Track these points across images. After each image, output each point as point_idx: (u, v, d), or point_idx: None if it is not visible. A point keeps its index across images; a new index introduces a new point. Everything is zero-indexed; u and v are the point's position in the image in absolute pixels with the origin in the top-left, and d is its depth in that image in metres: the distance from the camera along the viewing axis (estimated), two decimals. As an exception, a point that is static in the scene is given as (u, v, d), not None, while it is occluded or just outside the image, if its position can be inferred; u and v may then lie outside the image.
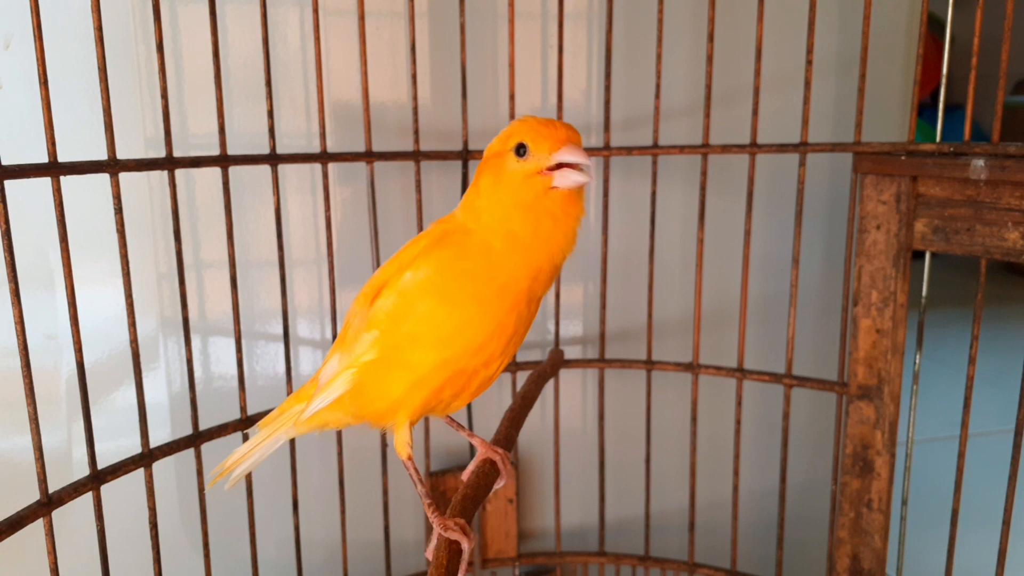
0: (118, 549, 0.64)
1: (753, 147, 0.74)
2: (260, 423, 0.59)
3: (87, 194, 0.69)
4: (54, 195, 0.54)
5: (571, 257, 0.49)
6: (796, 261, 0.75)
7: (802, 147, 0.74)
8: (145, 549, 0.64)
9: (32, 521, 0.53)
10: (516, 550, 0.87)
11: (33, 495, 0.54)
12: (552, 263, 0.48)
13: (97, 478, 0.58)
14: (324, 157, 0.71)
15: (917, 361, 0.72)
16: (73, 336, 0.55)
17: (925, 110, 2.91)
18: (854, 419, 0.74)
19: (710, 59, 0.75)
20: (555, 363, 0.76)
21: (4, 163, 0.51)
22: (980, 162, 0.64)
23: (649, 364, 0.82)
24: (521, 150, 0.47)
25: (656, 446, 0.88)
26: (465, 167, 0.78)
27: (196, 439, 0.67)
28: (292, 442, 0.72)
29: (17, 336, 0.52)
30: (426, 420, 0.81)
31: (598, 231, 0.83)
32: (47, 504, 0.54)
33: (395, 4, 0.80)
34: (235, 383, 0.82)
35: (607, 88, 0.77)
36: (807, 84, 0.72)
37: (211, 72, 0.66)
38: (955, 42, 0.68)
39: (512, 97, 0.76)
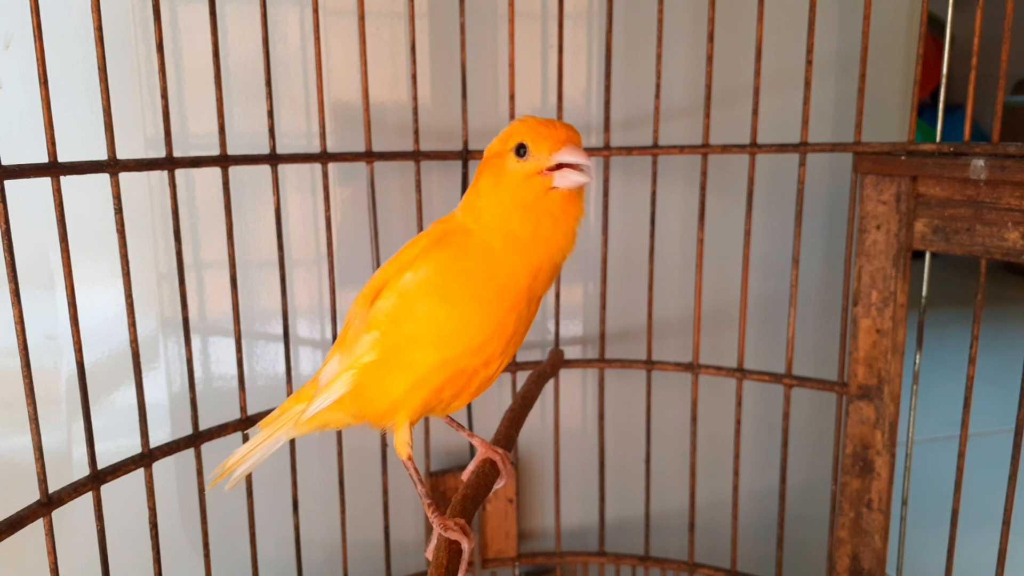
0: (118, 549, 0.64)
1: (753, 147, 0.74)
2: (260, 423, 0.59)
3: (87, 194, 0.69)
4: (54, 195, 0.54)
5: (571, 257, 0.49)
6: (796, 261, 0.75)
7: (802, 147, 0.74)
8: (145, 549, 0.64)
9: (32, 521, 0.53)
10: (516, 550, 0.87)
11: (33, 495, 0.54)
12: (552, 263, 0.48)
13: (97, 478, 0.58)
14: (324, 157, 0.71)
15: (917, 361, 0.72)
16: (73, 336, 0.55)
17: (925, 110, 2.91)
18: (854, 419, 0.74)
19: (710, 59, 0.75)
20: (555, 363, 0.76)
21: (4, 163, 0.51)
22: (980, 162, 0.64)
23: (649, 364, 0.82)
24: (521, 150, 0.47)
25: (656, 446, 0.88)
26: (465, 167, 0.78)
27: (196, 439, 0.67)
28: (292, 442, 0.72)
29: (17, 336, 0.52)
30: (426, 420, 0.81)
31: (598, 231, 0.83)
32: (47, 504, 0.54)
33: (395, 4, 0.80)
34: (235, 383, 0.82)
35: (607, 88, 0.77)
36: (807, 84, 0.72)
37: (211, 72, 0.66)
38: (955, 42, 0.68)
39: (512, 97, 0.76)
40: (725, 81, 0.86)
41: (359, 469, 0.86)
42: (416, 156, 0.75)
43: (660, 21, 0.76)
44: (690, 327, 0.90)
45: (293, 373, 0.81)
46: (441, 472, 0.84)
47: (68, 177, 0.54)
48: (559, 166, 0.46)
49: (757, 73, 0.74)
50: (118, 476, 0.60)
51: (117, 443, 0.72)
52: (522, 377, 0.83)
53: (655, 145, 0.77)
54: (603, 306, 0.82)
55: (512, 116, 0.77)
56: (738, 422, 0.79)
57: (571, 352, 0.91)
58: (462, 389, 0.50)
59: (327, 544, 0.87)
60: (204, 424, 0.68)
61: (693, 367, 0.81)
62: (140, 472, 0.62)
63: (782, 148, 0.74)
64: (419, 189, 0.76)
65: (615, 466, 0.94)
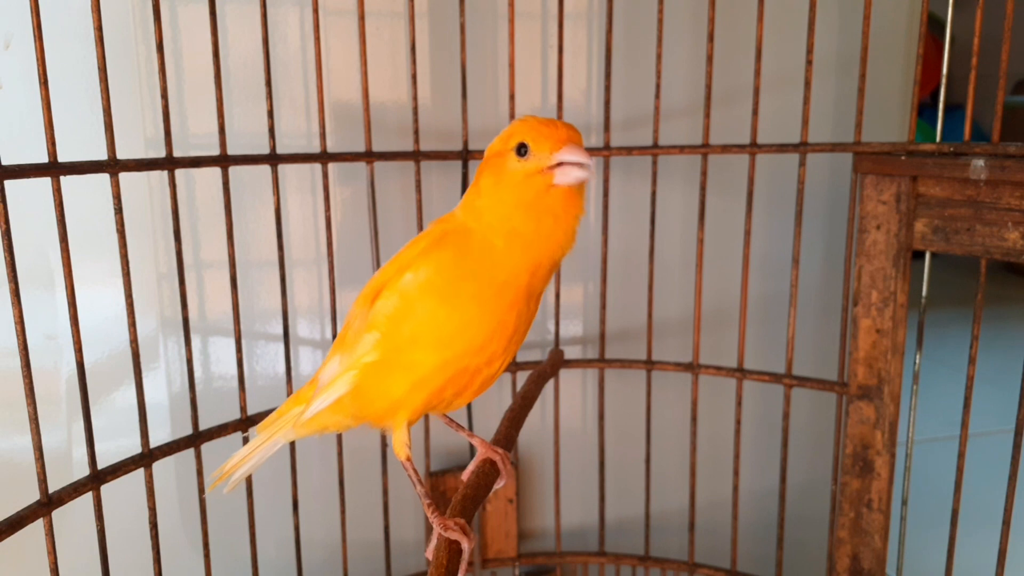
0: (118, 549, 0.64)
1: (753, 147, 0.74)
2: (259, 426, 0.59)
3: (87, 194, 0.69)
4: (54, 195, 0.54)
5: (571, 257, 0.49)
6: (796, 261, 0.75)
7: (802, 147, 0.74)
8: (145, 549, 0.64)
9: (32, 521, 0.53)
10: (516, 550, 0.87)
11: (33, 495, 0.54)
12: (552, 260, 0.48)
13: (97, 478, 0.58)
14: (324, 157, 0.71)
15: (917, 361, 0.72)
16: (73, 336, 0.55)
17: (925, 110, 2.91)
18: (854, 419, 0.74)
19: (710, 59, 0.75)
20: (555, 363, 0.76)
21: (4, 163, 0.51)
22: (980, 162, 0.64)
23: (649, 364, 0.82)
24: (522, 150, 0.47)
25: (656, 446, 0.88)
26: (465, 167, 0.78)
27: (196, 439, 0.67)
28: (292, 443, 0.72)
29: (17, 336, 0.52)
30: (426, 420, 0.81)
31: (598, 231, 0.83)
32: (47, 504, 0.54)
33: (395, 4, 0.80)
34: (235, 383, 0.82)
35: (607, 88, 0.77)
36: (807, 84, 0.72)
37: (211, 72, 0.66)
38: (955, 42, 0.68)
39: (512, 97, 0.76)
40: (725, 81, 0.86)
41: (359, 469, 0.86)
42: (416, 156, 0.75)
43: (660, 21, 0.76)
44: (690, 327, 0.90)
45: (293, 373, 0.81)
46: (441, 472, 0.84)
47: (68, 177, 0.54)
48: (560, 165, 0.46)
49: (757, 73, 0.74)
50: (118, 476, 0.60)
51: (117, 443, 0.72)
52: (522, 377, 0.83)
53: (655, 145, 0.77)
54: (603, 306, 0.82)
55: (512, 116, 0.77)
56: (738, 422, 0.79)
57: (571, 352, 0.91)
58: (464, 388, 0.50)
59: (327, 544, 0.87)
60: (204, 424, 0.68)
61: (693, 367, 0.81)
62: (140, 472, 0.62)
63: (782, 148, 0.74)
64: (419, 189, 0.76)
65: (615, 466, 0.94)
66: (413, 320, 0.47)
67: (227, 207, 0.66)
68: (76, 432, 0.78)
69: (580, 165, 0.45)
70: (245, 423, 0.70)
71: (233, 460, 0.59)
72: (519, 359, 0.84)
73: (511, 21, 0.74)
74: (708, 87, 0.75)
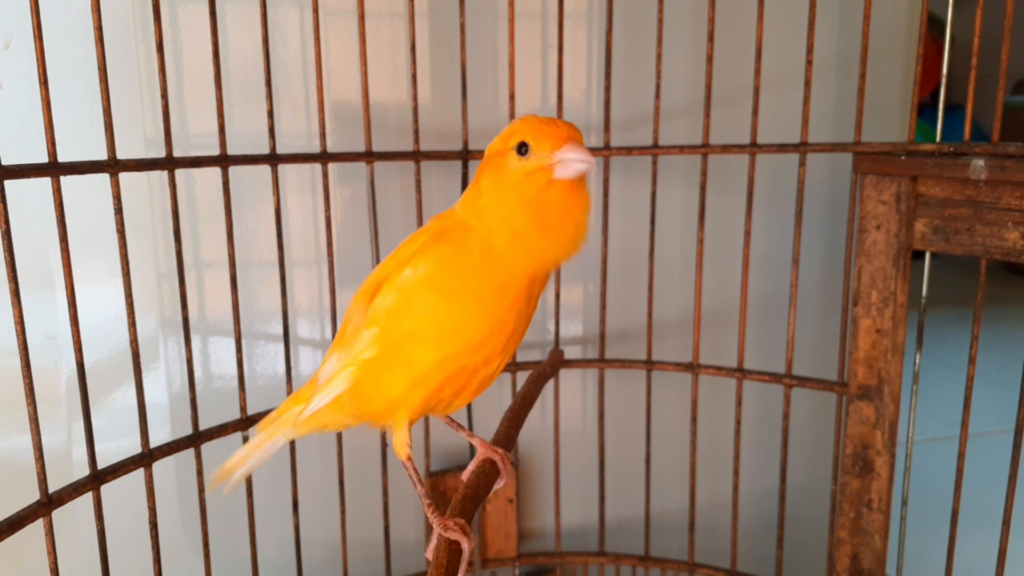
0: (118, 549, 0.64)
1: (753, 147, 0.74)
2: (258, 425, 0.59)
3: (87, 194, 0.69)
4: (54, 195, 0.54)
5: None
6: (796, 261, 0.75)
7: (802, 147, 0.74)
8: (145, 549, 0.64)
9: (32, 521, 0.53)
10: (516, 550, 0.87)
11: (33, 495, 0.54)
12: (556, 261, 0.47)
13: (97, 478, 0.58)
14: (324, 157, 0.71)
15: (917, 361, 0.72)
16: (73, 336, 0.55)
17: (925, 110, 2.91)
18: (854, 419, 0.74)
19: (710, 59, 0.75)
20: (555, 363, 0.76)
21: (4, 163, 0.51)
22: (980, 162, 0.64)
23: (649, 364, 0.82)
24: (523, 149, 0.46)
25: (656, 446, 0.88)
26: (465, 167, 0.78)
27: (196, 439, 0.67)
28: (292, 443, 0.72)
29: (17, 336, 0.52)
30: (426, 420, 0.81)
31: (598, 231, 0.83)
32: (47, 504, 0.54)
33: (395, 4, 0.80)
34: (235, 383, 0.82)
35: (607, 88, 0.77)
36: (807, 84, 0.72)
37: (211, 72, 0.66)
38: (955, 42, 0.68)
39: (512, 97, 0.76)
40: (725, 81, 0.86)
41: (359, 469, 0.86)
42: (416, 156, 0.75)
43: (660, 21, 0.76)
44: (690, 327, 0.90)
45: (293, 373, 0.81)
46: (441, 472, 0.84)
47: (68, 177, 0.54)
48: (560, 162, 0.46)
49: (757, 73, 0.74)
50: (118, 476, 0.60)
51: (117, 443, 0.72)
52: (522, 377, 0.83)
53: (655, 145, 0.77)
54: (603, 306, 0.82)
55: (512, 116, 0.77)
56: (738, 422, 0.79)
57: (571, 352, 0.91)
58: (462, 388, 0.50)
59: (327, 544, 0.87)
60: (204, 424, 0.68)
61: (693, 367, 0.81)
62: (140, 472, 0.62)
63: (782, 148, 0.74)
64: (419, 189, 0.76)
65: (615, 466, 0.94)
66: (412, 316, 0.47)
67: (227, 207, 0.66)
68: (76, 432, 0.78)
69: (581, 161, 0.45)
70: (245, 423, 0.70)
71: (233, 459, 0.59)
72: (519, 359, 0.84)
73: (511, 21, 0.74)
74: (708, 87, 0.75)
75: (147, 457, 0.62)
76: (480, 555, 0.86)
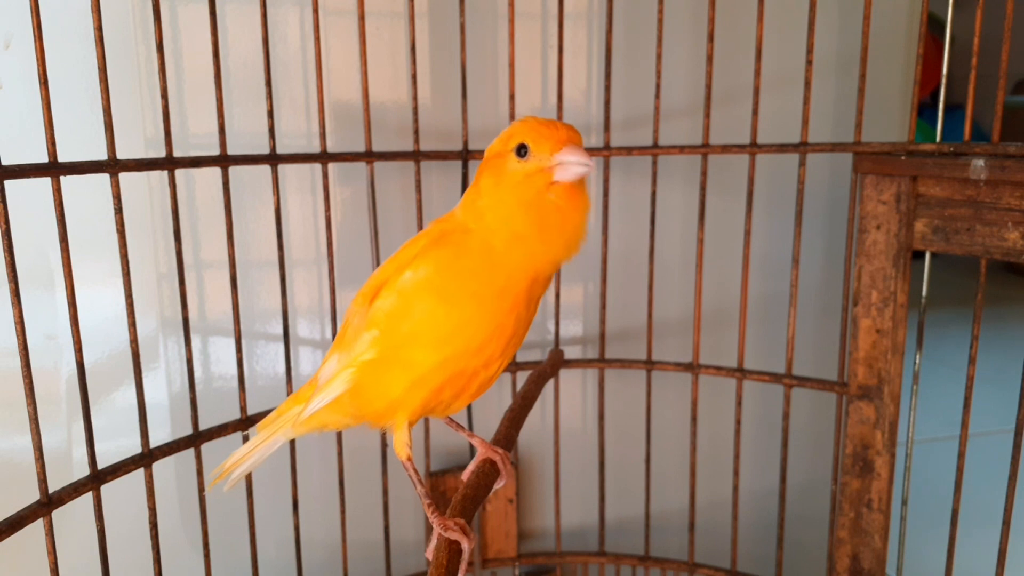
0: (118, 549, 0.64)
1: (753, 147, 0.74)
2: (259, 425, 0.59)
3: (87, 194, 0.69)
4: (54, 195, 0.54)
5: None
6: (796, 261, 0.75)
7: (802, 147, 0.74)
8: (145, 549, 0.64)
9: (32, 521, 0.53)
10: (516, 550, 0.87)
11: (33, 495, 0.54)
12: (556, 263, 0.48)
13: (97, 478, 0.58)
14: (324, 157, 0.71)
15: (917, 361, 0.72)
16: (73, 336, 0.55)
17: (925, 110, 2.91)
18: (854, 419, 0.74)
19: (710, 59, 0.75)
20: (555, 363, 0.76)
21: (4, 163, 0.51)
22: (980, 162, 0.64)
23: (649, 364, 0.82)
24: (522, 151, 0.47)
25: (656, 446, 0.88)
26: (465, 167, 0.78)
27: (196, 439, 0.67)
28: (292, 442, 0.72)
29: (17, 336, 0.52)
30: (426, 420, 0.81)
31: (598, 231, 0.83)
32: (47, 504, 0.54)
33: (395, 4, 0.80)
34: (235, 383, 0.82)
35: (607, 88, 0.77)
36: (807, 84, 0.72)
37: (211, 72, 0.66)
38: (955, 42, 0.68)
39: (512, 97, 0.76)
40: (725, 81, 0.86)
41: (359, 469, 0.86)
42: (416, 156, 0.75)
43: (660, 21, 0.76)
44: (690, 327, 0.90)
45: (293, 373, 0.81)
46: (441, 472, 0.84)
47: (68, 177, 0.54)
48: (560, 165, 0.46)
49: (757, 73, 0.74)
50: (118, 476, 0.60)
51: (117, 443, 0.72)
52: (522, 377, 0.83)
53: (655, 145, 0.77)
54: (603, 306, 0.82)
55: (512, 116, 0.77)
56: (738, 422, 0.79)
57: (571, 352, 0.91)
58: (462, 390, 0.50)
59: (327, 544, 0.87)
60: (204, 424, 0.68)
61: (693, 367, 0.81)
62: (140, 472, 0.62)
63: (782, 148, 0.74)
64: (419, 189, 0.76)
65: (615, 466, 0.94)
66: (412, 318, 0.47)
67: (227, 207, 0.66)
68: (76, 432, 0.78)
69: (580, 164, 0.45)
70: (245, 423, 0.70)
71: (233, 458, 0.59)
72: (519, 359, 0.84)
73: (511, 21, 0.74)
74: (708, 87, 0.75)
75: (147, 457, 0.62)
76: (480, 555, 0.86)
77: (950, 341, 2.12)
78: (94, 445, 0.58)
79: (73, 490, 0.56)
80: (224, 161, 0.66)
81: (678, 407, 0.93)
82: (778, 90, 0.89)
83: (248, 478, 0.70)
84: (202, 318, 0.81)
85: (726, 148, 0.75)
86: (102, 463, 0.59)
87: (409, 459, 0.50)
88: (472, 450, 0.83)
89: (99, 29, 0.56)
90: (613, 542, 0.94)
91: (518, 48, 0.83)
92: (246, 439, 0.70)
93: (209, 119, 0.75)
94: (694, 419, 0.81)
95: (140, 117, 0.75)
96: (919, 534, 1.13)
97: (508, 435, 0.58)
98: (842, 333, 0.75)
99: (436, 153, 0.76)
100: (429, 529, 0.73)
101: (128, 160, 0.59)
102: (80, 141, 0.68)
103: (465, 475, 0.54)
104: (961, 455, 0.68)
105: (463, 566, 0.46)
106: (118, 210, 0.58)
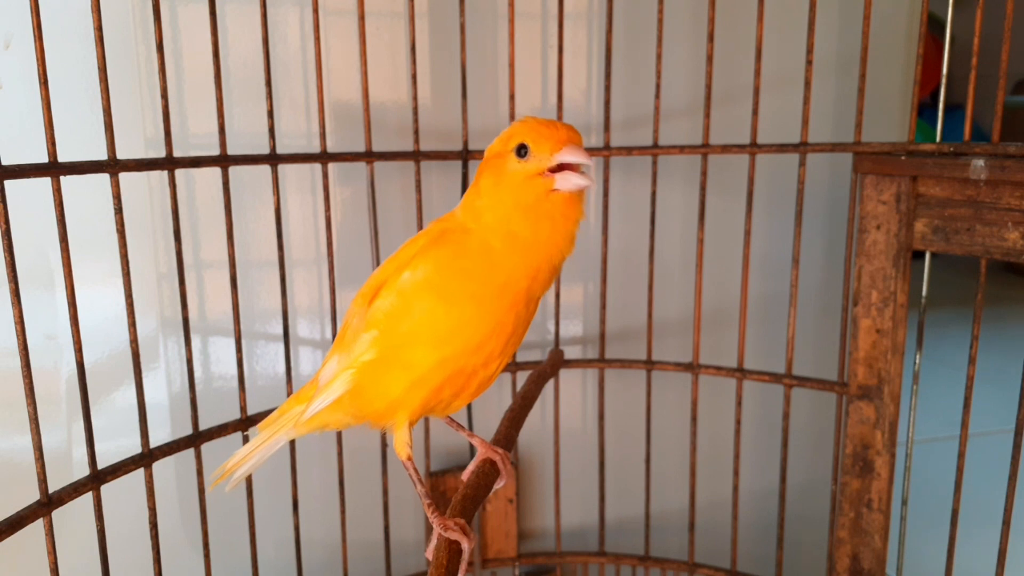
0: (118, 549, 0.64)
1: (753, 147, 0.74)
2: (260, 425, 0.59)
3: (87, 194, 0.69)
4: (54, 195, 0.54)
5: (571, 257, 0.49)
6: (796, 261, 0.75)
7: (802, 147, 0.74)
8: (145, 549, 0.64)
9: (32, 521, 0.53)
10: (516, 550, 0.87)
11: (33, 495, 0.54)
12: (551, 264, 0.48)
13: (97, 478, 0.58)
14: (324, 157, 0.71)
15: (917, 361, 0.72)
16: (73, 336, 0.55)
17: (925, 110, 2.91)
18: (854, 419, 0.74)
19: (710, 59, 0.75)
20: (555, 363, 0.76)
21: (4, 163, 0.51)
22: (980, 162, 0.64)
23: (649, 364, 0.82)
24: (522, 151, 0.47)
25: (656, 446, 0.88)
26: (465, 167, 0.78)
27: (196, 439, 0.67)
28: (292, 442, 0.72)
29: (17, 336, 0.52)
30: (426, 420, 0.81)
31: (598, 231, 0.83)
32: (47, 504, 0.54)
33: (395, 4, 0.80)
34: (235, 383, 0.82)
35: (607, 88, 0.77)
36: (807, 84, 0.72)
37: (211, 72, 0.66)
38: (955, 42, 0.68)
39: (512, 97, 0.76)
40: (725, 81, 0.86)
41: (359, 469, 0.86)
42: (416, 156, 0.75)
43: (660, 21, 0.76)
44: (690, 327, 0.90)
45: (293, 373, 0.81)
46: (441, 472, 0.84)
47: (68, 177, 0.54)
48: (560, 167, 0.46)
49: (757, 73, 0.74)
50: (118, 476, 0.60)
51: (117, 443, 0.72)
52: (522, 377, 0.83)
53: (655, 145, 0.77)
54: (603, 306, 0.82)
55: (512, 116, 0.77)
56: (738, 422, 0.79)
57: (571, 352, 0.91)
58: (461, 389, 0.50)
59: (327, 544, 0.87)
60: (204, 424, 0.68)
61: (693, 367, 0.81)
62: (140, 472, 0.62)
63: (782, 148, 0.74)
64: (419, 189, 0.76)
65: (615, 466, 0.94)
66: (411, 318, 0.48)
67: (227, 207, 0.66)
68: (76, 432, 0.78)
69: (580, 169, 0.45)
70: (245, 423, 0.70)
71: (234, 459, 0.59)
72: (519, 359, 0.84)
73: (511, 21, 0.74)
74: (708, 87, 0.75)
75: (147, 457, 0.62)
76: (480, 555, 0.86)
77: (950, 341, 2.12)
78: (94, 445, 0.58)
79: (73, 490, 0.56)
80: (224, 161, 0.66)
81: (678, 407, 0.93)
82: (778, 90, 0.89)
83: (248, 478, 0.70)
84: (202, 318, 0.81)
85: (726, 148, 0.75)
86: (102, 463, 0.59)
87: (409, 459, 0.50)
88: (472, 450, 0.83)
89: (99, 29, 0.56)
90: (613, 542, 0.94)
91: (518, 48, 0.83)
92: (246, 439, 0.70)
93: (209, 119, 0.75)
94: (694, 419, 0.81)
95: (140, 117, 0.75)
96: (919, 534, 1.13)
97: (508, 435, 0.58)
98: (842, 333, 0.75)
99: (436, 153, 0.76)
100: (429, 529, 0.73)
101: (128, 160, 0.59)
102: (80, 141, 0.68)
103: (465, 475, 0.54)
104: (961, 455, 0.68)
105: (463, 566, 0.46)
106: (118, 210, 0.58)
